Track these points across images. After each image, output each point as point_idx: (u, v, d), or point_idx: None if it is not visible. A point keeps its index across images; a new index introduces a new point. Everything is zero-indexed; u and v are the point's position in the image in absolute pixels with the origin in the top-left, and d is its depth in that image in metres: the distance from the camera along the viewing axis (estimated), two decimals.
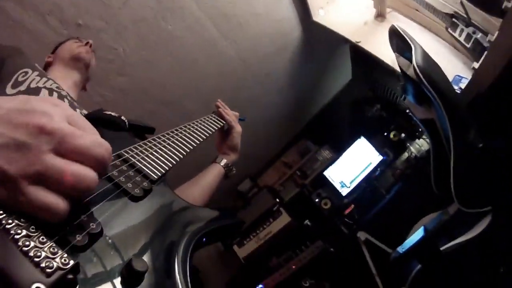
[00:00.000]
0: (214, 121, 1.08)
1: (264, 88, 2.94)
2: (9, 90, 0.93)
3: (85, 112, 0.99)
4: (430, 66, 1.26)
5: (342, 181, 2.97)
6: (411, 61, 1.25)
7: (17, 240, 0.32)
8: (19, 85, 0.94)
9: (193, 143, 0.84)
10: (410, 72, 1.27)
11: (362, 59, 2.45)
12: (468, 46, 1.70)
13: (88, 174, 0.36)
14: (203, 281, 3.13)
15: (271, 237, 2.97)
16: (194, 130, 0.91)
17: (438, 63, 1.33)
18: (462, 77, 1.72)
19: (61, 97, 1.00)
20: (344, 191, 2.93)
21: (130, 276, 0.40)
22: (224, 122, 1.15)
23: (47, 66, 1.26)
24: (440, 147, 1.38)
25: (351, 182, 2.92)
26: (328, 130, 3.55)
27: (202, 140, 0.90)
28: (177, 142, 0.79)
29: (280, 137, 3.74)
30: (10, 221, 0.32)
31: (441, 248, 1.46)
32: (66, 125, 0.36)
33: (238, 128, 1.20)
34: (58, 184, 0.34)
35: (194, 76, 2.39)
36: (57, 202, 0.34)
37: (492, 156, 1.34)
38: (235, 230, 0.80)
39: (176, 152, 0.74)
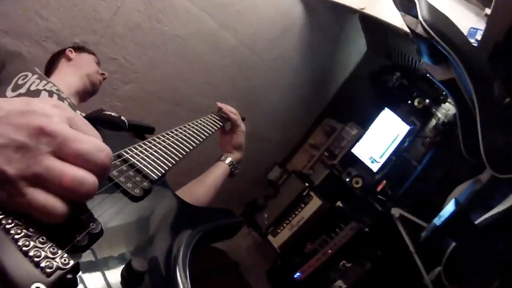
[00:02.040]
0: (214, 120, 1.07)
1: (277, 72, 2.87)
2: (9, 93, 0.96)
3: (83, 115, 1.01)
4: (438, 19, 1.18)
5: (371, 157, 2.86)
6: (417, 17, 1.18)
7: (17, 240, 0.32)
8: (19, 88, 0.97)
9: (193, 143, 0.84)
10: (419, 29, 1.20)
11: (373, 27, 2.33)
12: None
13: (88, 178, 0.35)
14: (244, 273, 3.15)
15: (304, 223, 2.93)
16: (194, 130, 0.91)
17: (450, 18, 1.24)
18: (477, 29, 1.59)
19: (60, 99, 1.03)
20: (374, 167, 2.82)
21: (130, 276, 0.40)
22: (225, 122, 1.12)
23: (61, 56, 1.35)
24: (466, 108, 1.30)
25: (381, 157, 2.80)
26: (351, 106, 3.43)
27: (202, 140, 0.89)
28: (177, 142, 0.79)
29: (303, 120, 3.66)
30: (10, 221, 0.32)
31: (477, 222, 1.34)
32: (67, 128, 0.36)
33: (242, 126, 1.16)
34: (57, 187, 0.33)
35: (202, 71, 2.38)
36: (55, 204, 0.33)
37: None
38: (235, 230, 0.79)
39: (176, 152, 0.74)
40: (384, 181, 2.67)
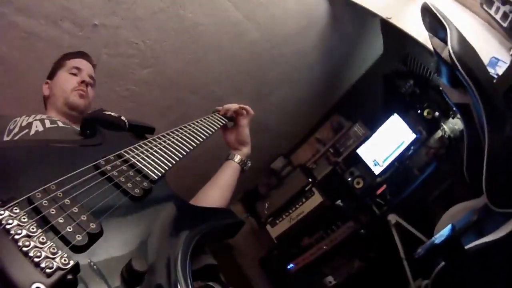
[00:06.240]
0: (215, 119, 1.06)
1: (294, 66, 2.86)
2: (4, 137, 0.93)
3: (77, 129, 0.97)
4: (466, 52, 1.18)
5: (375, 160, 2.90)
6: (445, 42, 1.18)
7: (17, 240, 0.32)
8: (12, 131, 0.94)
9: (193, 143, 0.83)
10: (445, 55, 1.20)
11: (394, 34, 2.31)
12: (504, 25, 1.53)
13: None
14: (237, 257, 3.24)
15: (303, 217, 3.00)
16: (195, 130, 0.91)
17: (473, 42, 1.23)
18: (498, 60, 1.59)
19: (53, 122, 0.98)
20: (377, 170, 2.86)
21: (130, 276, 0.40)
22: (226, 120, 1.12)
23: (45, 100, 1.22)
24: (475, 135, 1.30)
25: (384, 161, 2.84)
26: (361, 105, 3.43)
27: (203, 139, 0.89)
28: (177, 142, 0.79)
29: (312, 114, 3.66)
30: (10, 221, 0.33)
31: (467, 247, 1.40)
32: None
33: (244, 121, 1.15)
34: None
35: (221, 60, 2.37)
36: None
37: None
38: (235, 230, 0.79)
39: (176, 152, 0.74)
40: (385, 185, 2.72)
